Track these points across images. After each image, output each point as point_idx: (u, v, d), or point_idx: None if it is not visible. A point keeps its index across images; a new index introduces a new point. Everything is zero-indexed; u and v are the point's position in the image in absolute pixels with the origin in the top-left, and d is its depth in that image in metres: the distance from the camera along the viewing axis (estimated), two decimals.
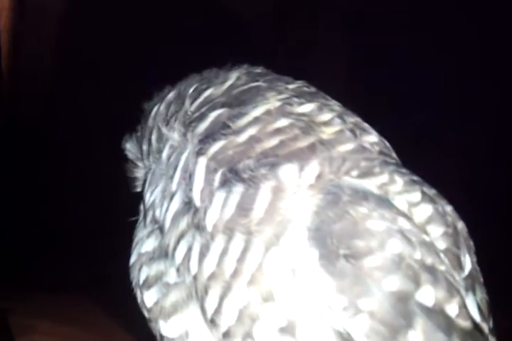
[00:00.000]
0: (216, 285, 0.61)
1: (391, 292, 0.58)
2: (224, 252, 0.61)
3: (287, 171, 0.62)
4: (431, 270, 0.60)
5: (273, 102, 0.67)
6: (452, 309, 0.60)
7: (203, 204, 0.63)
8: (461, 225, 0.69)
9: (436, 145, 3.10)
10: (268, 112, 0.65)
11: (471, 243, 0.70)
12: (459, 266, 0.65)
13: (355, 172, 0.64)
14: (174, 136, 0.70)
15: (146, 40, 2.90)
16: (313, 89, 0.74)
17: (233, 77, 0.73)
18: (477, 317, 0.63)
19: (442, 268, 0.61)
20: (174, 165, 0.68)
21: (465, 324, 0.61)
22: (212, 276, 0.61)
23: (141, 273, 0.69)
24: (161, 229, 0.68)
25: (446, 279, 0.60)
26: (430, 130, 3.09)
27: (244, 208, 0.61)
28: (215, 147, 0.65)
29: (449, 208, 0.69)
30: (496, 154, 3.06)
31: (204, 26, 2.86)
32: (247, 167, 0.63)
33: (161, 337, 0.67)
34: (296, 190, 0.62)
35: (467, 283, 0.65)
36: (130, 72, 2.82)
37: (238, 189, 0.62)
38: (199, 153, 0.65)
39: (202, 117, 0.68)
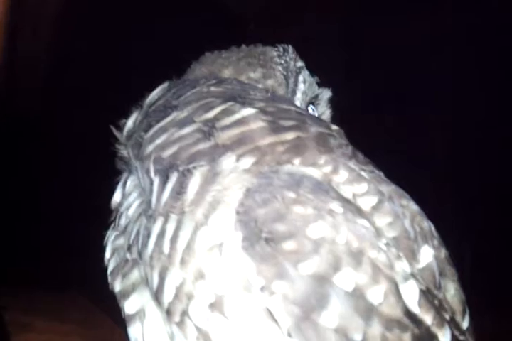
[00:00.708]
0: (156, 265, 0.64)
1: (307, 275, 0.58)
2: (161, 233, 0.64)
3: (224, 158, 0.64)
4: (356, 255, 0.59)
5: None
6: (375, 295, 0.59)
7: (148, 193, 0.68)
8: (424, 223, 0.68)
9: (428, 139, 3.12)
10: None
11: (436, 240, 0.68)
12: (412, 256, 0.64)
13: (297, 161, 0.65)
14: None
15: (142, 37, 2.89)
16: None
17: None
18: (415, 308, 0.61)
19: (373, 253, 0.60)
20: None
21: (392, 312, 0.59)
22: (152, 257, 0.64)
23: (107, 252, 0.75)
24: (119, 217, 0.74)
25: (373, 265, 0.59)
26: (423, 124, 3.10)
27: (177, 191, 0.64)
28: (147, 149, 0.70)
29: (412, 206, 0.68)
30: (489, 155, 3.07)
31: (198, 26, 2.86)
32: (183, 161, 0.66)
33: (124, 314, 0.70)
34: (229, 173, 0.63)
35: (422, 275, 0.64)
36: (127, 68, 2.82)
37: (173, 177, 0.65)
38: (137, 157, 0.72)
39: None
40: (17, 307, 2.41)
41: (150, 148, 0.69)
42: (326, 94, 0.97)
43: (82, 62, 2.95)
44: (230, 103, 0.70)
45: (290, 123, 0.69)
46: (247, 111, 0.69)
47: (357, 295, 0.58)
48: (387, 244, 0.62)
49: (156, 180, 0.67)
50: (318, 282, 0.58)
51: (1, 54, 2.78)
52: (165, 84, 0.80)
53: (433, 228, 0.69)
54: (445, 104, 3.09)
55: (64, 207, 2.82)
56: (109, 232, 0.77)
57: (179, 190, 0.64)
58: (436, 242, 0.68)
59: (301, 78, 0.90)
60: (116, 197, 0.77)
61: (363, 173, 0.67)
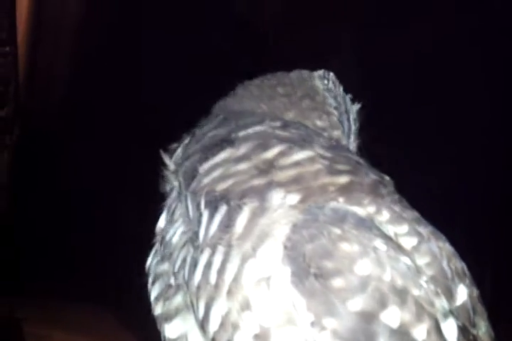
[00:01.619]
0: (203, 295, 0.66)
1: (355, 312, 0.60)
2: (208, 264, 0.66)
3: (273, 194, 0.67)
4: (400, 292, 0.61)
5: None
6: (420, 333, 0.61)
7: (195, 224, 0.70)
8: (456, 262, 0.71)
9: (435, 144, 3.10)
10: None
11: (468, 279, 0.71)
12: (449, 295, 0.67)
13: (342, 199, 0.67)
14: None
15: (162, 49, 2.92)
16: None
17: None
18: None
19: (416, 291, 0.63)
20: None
21: None
22: (199, 286, 0.66)
23: (150, 279, 0.77)
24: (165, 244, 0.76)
25: (417, 303, 0.62)
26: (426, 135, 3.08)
27: (226, 225, 0.66)
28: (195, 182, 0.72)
29: (445, 246, 0.71)
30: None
31: (219, 40, 2.89)
32: (235, 195, 0.68)
33: (165, 338, 0.72)
34: (277, 208, 0.66)
35: (459, 312, 0.67)
36: (148, 81, 2.85)
37: (223, 210, 0.67)
38: (188, 187, 0.73)
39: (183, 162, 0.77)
40: (36, 318, 2.42)
41: (204, 181, 0.71)
42: (355, 108, 0.97)
43: (102, 74, 3.00)
44: (289, 144, 0.72)
45: (346, 168, 0.71)
46: (306, 154, 0.71)
47: (402, 333, 0.61)
48: (427, 282, 0.64)
49: (206, 213, 0.69)
50: (365, 319, 0.60)
51: (23, 66, 2.84)
52: (221, 116, 0.81)
53: (465, 268, 0.72)
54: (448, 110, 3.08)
55: (85, 221, 2.85)
56: (151, 257, 0.78)
57: (228, 223, 0.66)
58: (468, 281, 0.71)
59: (352, 117, 0.91)
60: (161, 222, 0.78)
61: (404, 215, 0.70)
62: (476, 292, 0.72)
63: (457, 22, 3.02)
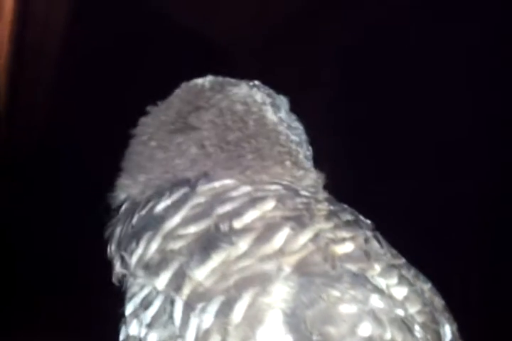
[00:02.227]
0: None
1: None
2: None
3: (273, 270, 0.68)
4: None
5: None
6: None
7: (183, 330, 0.69)
8: (437, 300, 0.76)
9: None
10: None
11: (448, 314, 0.76)
12: (438, 338, 0.71)
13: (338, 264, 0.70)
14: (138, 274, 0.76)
15: (149, 55, 2.94)
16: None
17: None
18: None
19: None
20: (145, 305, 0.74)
21: None
22: None
23: None
24: None
25: None
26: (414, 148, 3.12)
27: (223, 315, 0.66)
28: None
29: (426, 287, 0.75)
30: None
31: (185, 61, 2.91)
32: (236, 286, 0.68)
33: None
34: (275, 280, 0.67)
35: None
36: (131, 90, 2.85)
37: (218, 299, 0.67)
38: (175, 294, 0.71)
39: (162, 264, 0.73)
40: None
41: (205, 285, 0.69)
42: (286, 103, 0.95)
43: (87, 83, 3.00)
44: (291, 225, 0.71)
45: (349, 235, 0.73)
46: (308, 235, 0.71)
47: None
48: (419, 331, 0.68)
49: (196, 320, 0.68)
50: None
51: (4, 76, 2.82)
52: (193, 202, 0.75)
53: (444, 303, 0.77)
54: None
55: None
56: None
57: (226, 313, 0.66)
58: (449, 316, 0.76)
59: (305, 139, 0.92)
60: (133, 329, 0.76)
61: (393, 262, 0.73)
62: (455, 326, 0.76)
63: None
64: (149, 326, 0.72)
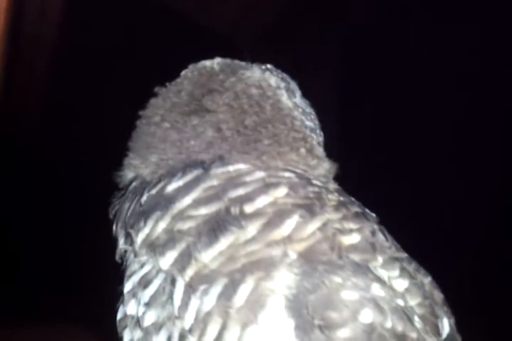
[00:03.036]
0: None
1: None
2: (201, 335, 0.66)
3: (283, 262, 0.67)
4: (401, 338, 0.65)
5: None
6: None
7: (182, 310, 0.68)
8: (437, 294, 0.76)
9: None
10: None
11: (447, 308, 0.76)
12: (436, 331, 0.71)
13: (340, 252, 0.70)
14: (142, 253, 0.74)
15: (138, 67, 2.92)
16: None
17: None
18: None
19: (413, 334, 0.66)
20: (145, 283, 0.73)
21: None
22: None
23: None
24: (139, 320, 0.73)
25: None
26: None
27: (226, 298, 0.66)
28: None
29: (426, 280, 0.75)
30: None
31: (192, 54, 2.89)
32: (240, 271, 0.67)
33: None
34: (279, 265, 0.67)
35: None
36: (123, 98, 2.84)
37: (221, 281, 0.67)
38: (178, 274, 0.70)
39: (169, 244, 0.72)
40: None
41: (210, 267, 0.69)
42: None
43: (84, 75, 2.98)
44: (300, 213, 0.71)
45: (355, 226, 0.73)
46: (316, 224, 0.71)
47: None
48: (418, 322, 0.68)
49: (197, 300, 0.67)
50: None
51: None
52: (206, 185, 0.74)
53: (443, 296, 0.77)
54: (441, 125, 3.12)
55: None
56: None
57: (228, 296, 0.66)
58: (447, 310, 0.76)
59: (318, 125, 0.92)
60: (131, 308, 0.75)
61: (396, 255, 0.73)
62: (452, 319, 0.76)
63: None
64: (147, 305, 0.71)
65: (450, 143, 3.16)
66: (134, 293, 0.74)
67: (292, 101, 0.86)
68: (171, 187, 0.74)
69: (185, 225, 0.71)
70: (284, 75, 0.90)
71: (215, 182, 0.73)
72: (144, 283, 0.73)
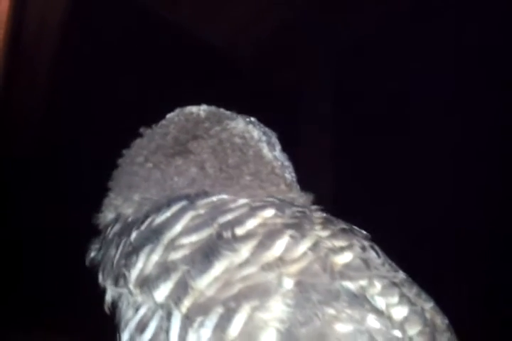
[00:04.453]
0: None
1: None
2: None
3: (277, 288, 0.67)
4: None
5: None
6: None
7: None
8: (439, 320, 0.74)
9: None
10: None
11: (450, 333, 0.74)
12: None
13: (337, 276, 0.69)
14: (131, 291, 0.73)
15: (137, 78, 2.93)
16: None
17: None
18: None
19: None
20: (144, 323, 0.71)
21: None
22: None
23: None
24: None
25: None
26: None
27: (221, 330, 0.65)
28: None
29: (428, 306, 0.74)
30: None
31: (192, 69, 2.91)
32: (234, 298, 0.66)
33: None
34: (274, 295, 0.66)
35: None
36: (123, 109, 2.85)
37: (216, 313, 0.66)
38: (175, 307, 0.69)
39: (163, 275, 0.71)
40: None
41: (206, 295, 0.68)
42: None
43: (84, 83, 2.98)
44: (290, 232, 0.71)
45: (345, 243, 0.72)
46: (307, 244, 0.70)
47: None
48: None
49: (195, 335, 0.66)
50: None
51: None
52: (193, 213, 0.74)
53: (447, 322, 0.75)
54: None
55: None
56: None
57: (223, 327, 0.65)
58: (451, 336, 0.74)
59: (290, 167, 0.95)
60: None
61: (395, 280, 0.72)
62: None
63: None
64: None
65: (449, 166, 3.16)
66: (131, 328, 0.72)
67: (272, 154, 0.89)
68: (159, 220, 0.74)
69: (178, 254, 0.70)
70: (266, 129, 0.93)
71: (201, 211, 0.73)
72: (141, 327, 0.71)
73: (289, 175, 0.90)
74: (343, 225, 0.76)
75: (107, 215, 0.83)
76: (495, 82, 2.95)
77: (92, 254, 0.81)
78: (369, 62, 3.13)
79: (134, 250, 0.73)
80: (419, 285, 0.75)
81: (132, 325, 0.72)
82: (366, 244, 0.74)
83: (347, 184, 3.07)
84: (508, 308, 2.86)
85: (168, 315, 0.68)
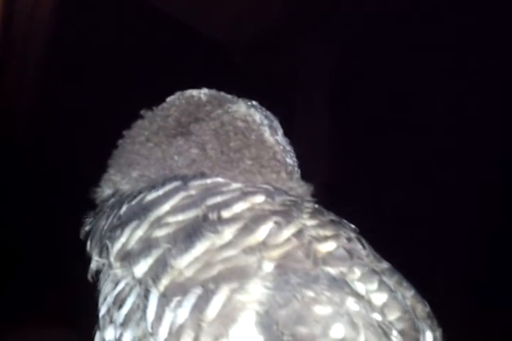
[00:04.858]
0: None
1: None
2: None
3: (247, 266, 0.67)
4: None
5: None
6: None
7: (156, 326, 0.67)
8: (420, 307, 0.74)
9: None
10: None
11: (431, 321, 0.74)
12: None
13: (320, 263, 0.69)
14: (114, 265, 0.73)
15: (129, 72, 2.92)
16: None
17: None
18: None
19: None
20: (122, 298, 0.72)
21: None
22: None
23: None
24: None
25: None
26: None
27: (199, 310, 0.65)
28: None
29: (409, 294, 0.74)
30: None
31: (184, 57, 2.88)
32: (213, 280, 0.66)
33: None
34: (253, 277, 0.66)
35: None
36: (115, 102, 2.84)
37: (194, 294, 0.66)
38: (153, 285, 0.69)
39: (144, 251, 0.71)
40: None
41: (186, 275, 0.68)
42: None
43: (74, 81, 2.97)
44: (276, 219, 0.71)
45: (331, 233, 0.72)
46: (292, 230, 0.70)
47: None
48: (397, 337, 0.67)
49: (171, 314, 0.66)
50: None
51: None
52: (184, 193, 0.74)
53: (429, 309, 0.75)
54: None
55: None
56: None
57: (200, 308, 0.65)
58: (432, 323, 0.74)
59: (292, 153, 0.94)
60: (109, 334, 0.73)
61: (375, 268, 0.72)
62: (439, 331, 0.75)
63: None
64: (123, 325, 0.70)
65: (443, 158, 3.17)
66: (110, 316, 0.73)
67: (274, 138, 0.89)
68: (151, 197, 0.75)
69: (162, 232, 0.71)
70: (268, 113, 0.93)
71: (192, 192, 0.74)
72: (119, 302, 0.72)
73: (291, 159, 0.91)
74: (333, 217, 0.77)
75: (105, 190, 0.84)
76: (494, 79, 2.97)
77: (87, 228, 0.81)
78: (364, 54, 3.13)
79: (121, 224, 0.74)
80: (401, 274, 0.76)
81: (110, 299, 0.73)
82: (353, 235, 0.74)
83: (343, 174, 3.08)
84: (486, 295, 2.90)
85: (146, 293, 0.69)
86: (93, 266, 0.78)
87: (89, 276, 0.78)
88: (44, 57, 3.05)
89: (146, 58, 2.94)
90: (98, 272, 0.78)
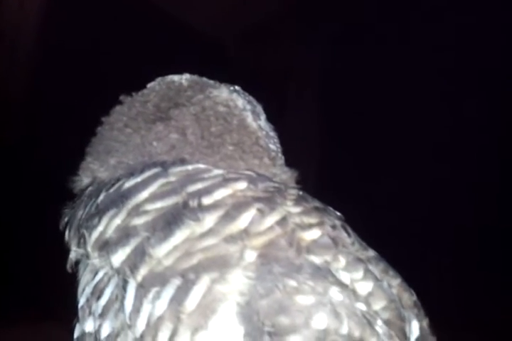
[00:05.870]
0: None
1: None
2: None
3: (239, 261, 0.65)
4: None
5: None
6: None
7: (134, 318, 0.65)
8: (406, 296, 0.73)
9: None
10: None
11: (418, 310, 0.73)
12: (403, 334, 0.68)
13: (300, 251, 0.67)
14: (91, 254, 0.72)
15: (121, 66, 2.90)
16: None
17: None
18: None
19: (373, 339, 0.64)
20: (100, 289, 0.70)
21: None
22: None
23: None
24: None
25: None
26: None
27: (177, 302, 0.63)
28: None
29: (395, 282, 0.72)
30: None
31: (177, 52, 2.87)
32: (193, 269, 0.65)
33: None
34: (235, 267, 0.65)
35: None
36: (104, 95, 2.81)
37: (173, 284, 0.64)
38: (131, 275, 0.67)
39: (122, 240, 0.69)
40: None
41: (164, 264, 0.66)
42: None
43: (63, 74, 2.94)
44: (259, 206, 0.69)
45: (315, 220, 0.70)
46: (275, 218, 0.69)
47: None
48: (382, 326, 0.66)
49: (149, 305, 0.65)
50: None
51: None
52: (164, 180, 0.72)
53: (416, 298, 0.74)
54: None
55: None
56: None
57: (180, 300, 0.63)
58: (419, 312, 0.73)
59: (275, 138, 0.91)
60: (89, 325, 0.72)
61: (361, 256, 0.70)
62: (425, 321, 0.74)
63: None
64: (102, 316, 0.69)
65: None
66: (89, 307, 0.71)
67: (257, 123, 0.87)
68: (129, 184, 0.72)
69: (140, 220, 0.68)
70: (251, 98, 0.90)
71: (172, 179, 0.71)
72: (98, 293, 0.70)
73: (274, 145, 0.88)
74: (317, 204, 0.75)
75: (83, 179, 0.82)
76: (494, 79, 2.97)
77: (66, 219, 0.79)
78: (356, 48, 3.13)
79: (98, 212, 0.72)
80: (388, 262, 0.74)
81: (89, 290, 0.71)
82: (338, 223, 0.72)
83: (333, 167, 3.09)
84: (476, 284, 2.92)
85: (124, 283, 0.67)
86: (72, 256, 0.76)
87: (68, 267, 0.77)
88: (34, 50, 3.02)
89: (137, 52, 2.92)
90: (77, 262, 0.76)
